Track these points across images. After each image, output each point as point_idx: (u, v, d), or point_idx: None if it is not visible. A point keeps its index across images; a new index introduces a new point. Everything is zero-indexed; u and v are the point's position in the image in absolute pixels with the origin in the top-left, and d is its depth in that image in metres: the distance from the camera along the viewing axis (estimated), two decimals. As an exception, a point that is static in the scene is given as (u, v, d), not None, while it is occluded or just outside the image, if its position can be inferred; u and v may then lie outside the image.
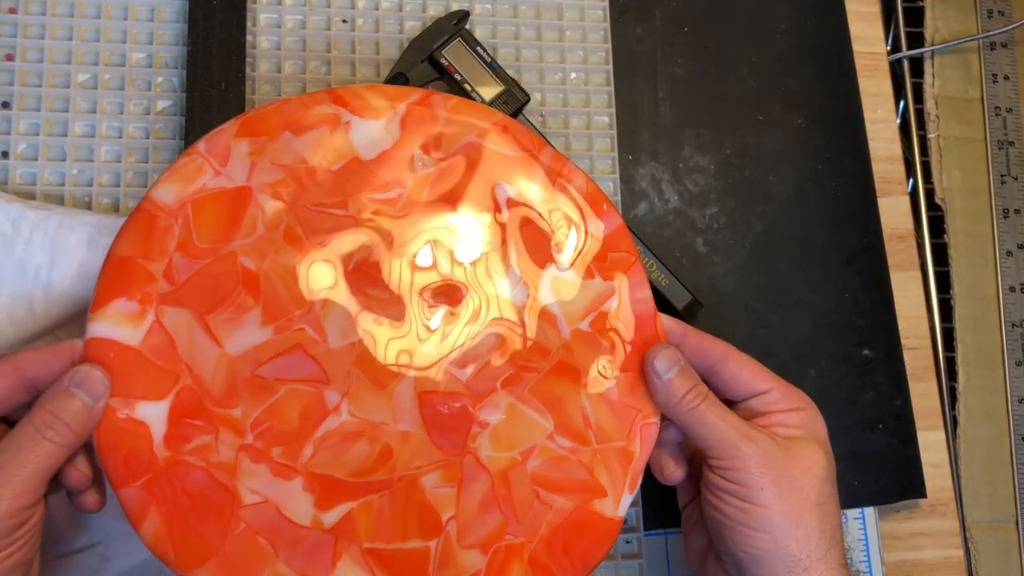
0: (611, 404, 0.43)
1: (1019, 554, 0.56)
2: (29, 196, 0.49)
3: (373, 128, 0.44)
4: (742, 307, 0.55)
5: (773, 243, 0.56)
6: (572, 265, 0.44)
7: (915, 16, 0.64)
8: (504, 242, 0.44)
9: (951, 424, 0.57)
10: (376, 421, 0.42)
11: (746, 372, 0.43)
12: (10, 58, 0.50)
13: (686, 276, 0.54)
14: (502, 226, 0.44)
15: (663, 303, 0.53)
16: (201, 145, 0.42)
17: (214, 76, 0.50)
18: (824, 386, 0.54)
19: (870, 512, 0.53)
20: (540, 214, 0.45)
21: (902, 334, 0.56)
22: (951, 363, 0.58)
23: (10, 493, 0.35)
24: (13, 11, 0.51)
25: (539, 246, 0.44)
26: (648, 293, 0.45)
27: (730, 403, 0.44)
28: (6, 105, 0.50)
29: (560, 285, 0.44)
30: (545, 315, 0.44)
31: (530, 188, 0.44)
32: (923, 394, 0.56)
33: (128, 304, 0.40)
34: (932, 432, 0.56)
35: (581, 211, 0.45)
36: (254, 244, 0.42)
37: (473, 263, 0.44)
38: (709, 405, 0.42)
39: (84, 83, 0.51)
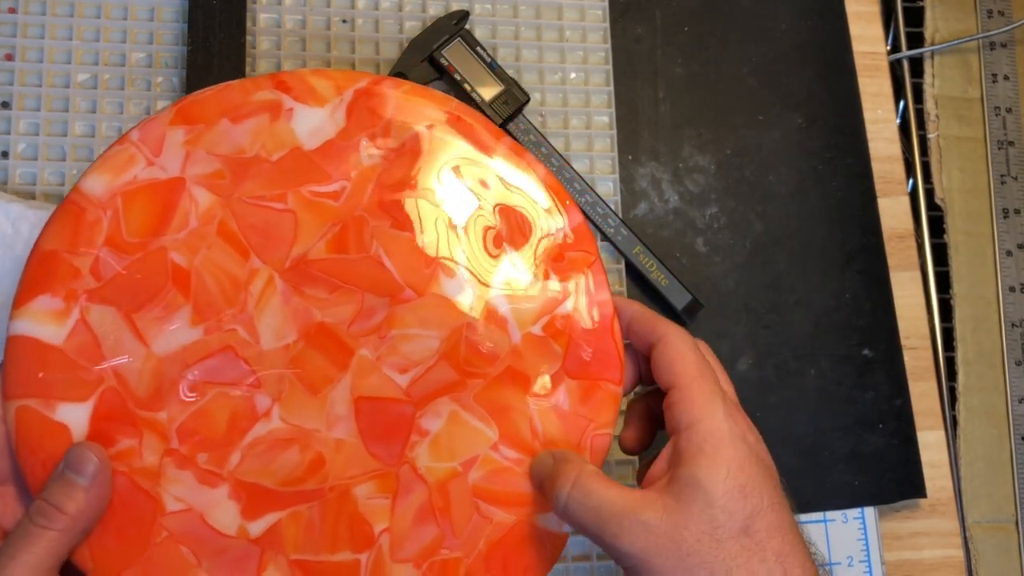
0: (561, 413, 0.41)
1: (1019, 554, 0.56)
2: (29, 196, 0.49)
3: (316, 116, 0.42)
4: (742, 307, 0.55)
5: (773, 243, 0.56)
6: (526, 265, 0.42)
7: (915, 16, 0.64)
8: (453, 239, 0.42)
9: (951, 424, 0.57)
10: (308, 428, 0.40)
11: (662, 362, 0.38)
12: (10, 58, 0.50)
13: (686, 276, 0.54)
14: (451, 223, 0.42)
15: (663, 303, 0.53)
16: (134, 134, 0.40)
17: (214, 76, 0.50)
18: (824, 386, 0.54)
19: (870, 512, 0.53)
20: (492, 209, 0.43)
21: (902, 334, 0.56)
22: (951, 363, 0.58)
23: None
24: (13, 11, 0.51)
25: (491, 244, 0.42)
26: (607, 296, 0.42)
27: None
28: (6, 105, 0.50)
29: (512, 286, 0.42)
30: (494, 317, 0.42)
31: (483, 182, 0.43)
32: (923, 394, 0.56)
33: (52, 301, 0.38)
34: (932, 432, 0.56)
35: (536, 207, 0.43)
36: (186, 239, 0.40)
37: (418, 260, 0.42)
38: (579, 493, 0.36)
39: (84, 83, 0.51)
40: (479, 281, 0.42)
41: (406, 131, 0.42)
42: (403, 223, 0.42)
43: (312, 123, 0.42)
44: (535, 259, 0.42)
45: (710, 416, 0.36)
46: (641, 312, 0.41)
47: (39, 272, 0.39)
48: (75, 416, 0.38)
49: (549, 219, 0.43)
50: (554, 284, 0.42)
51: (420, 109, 0.43)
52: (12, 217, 0.46)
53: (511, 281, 0.42)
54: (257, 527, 0.39)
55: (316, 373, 0.40)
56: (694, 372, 0.38)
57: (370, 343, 0.41)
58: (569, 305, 0.42)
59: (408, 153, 0.42)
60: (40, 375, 0.38)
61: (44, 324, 0.38)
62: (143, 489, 0.38)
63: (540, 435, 0.41)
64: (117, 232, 0.39)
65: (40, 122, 0.50)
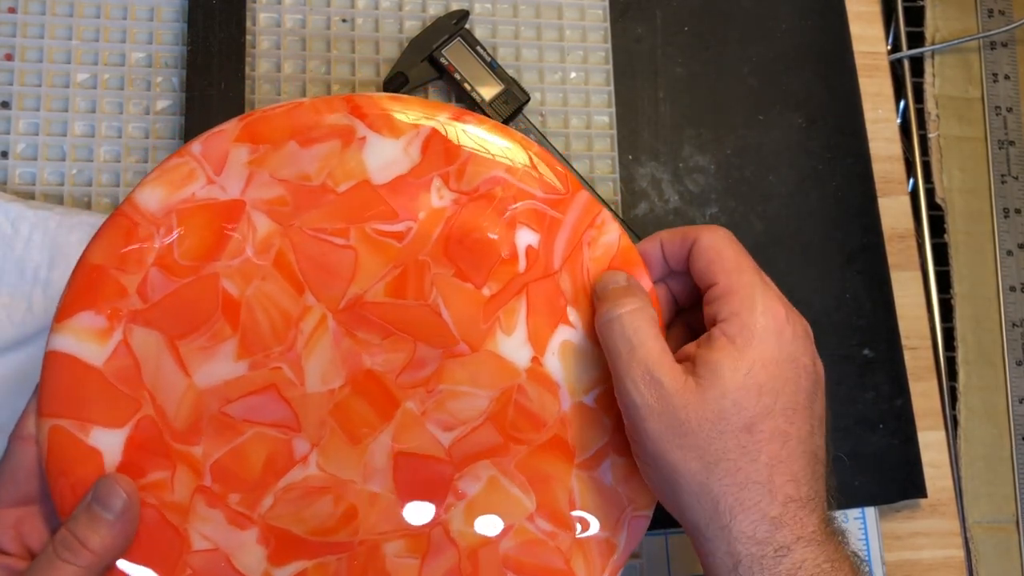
0: (602, 489, 0.40)
1: (1019, 554, 0.56)
2: (29, 196, 0.49)
3: (390, 148, 0.40)
4: (742, 307, 0.54)
5: (773, 243, 0.56)
6: (586, 330, 0.40)
7: (915, 16, 0.64)
8: (516, 295, 0.40)
9: (951, 424, 0.57)
10: (344, 478, 0.38)
11: (702, 261, 0.38)
12: (9, 58, 0.50)
13: (686, 276, 0.53)
14: (516, 277, 0.40)
15: (663, 303, 0.53)
16: (196, 146, 0.38)
17: (214, 76, 0.50)
18: (824, 386, 0.54)
19: (870, 512, 0.53)
20: (561, 268, 0.40)
21: (902, 334, 0.56)
22: (951, 363, 0.58)
23: None
24: (13, 11, 0.51)
25: (554, 304, 0.40)
26: None
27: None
28: (5, 105, 0.50)
29: (569, 351, 0.40)
30: (547, 382, 0.40)
31: (555, 238, 0.41)
32: (923, 394, 0.56)
33: (95, 318, 0.37)
34: (932, 432, 0.55)
35: (608, 270, 0.41)
36: (240, 267, 0.38)
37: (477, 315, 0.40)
38: (622, 325, 0.37)
39: (83, 83, 0.51)
40: (537, 342, 0.40)
41: (482, 174, 0.40)
42: (466, 273, 0.40)
43: (385, 156, 0.40)
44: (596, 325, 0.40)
45: (748, 310, 0.36)
46: (670, 232, 0.40)
47: (84, 286, 0.37)
48: (109, 442, 0.37)
49: None
50: None
51: (499, 152, 0.40)
52: (12, 217, 0.46)
53: (569, 346, 0.40)
54: (282, 574, 0.38)
55: (359, 422, 0.39)
56: (731, 266, 0.37)
57: (417, 396, 0.39)
58: None
59: (481, 198, 0.40)
60: (77, 397, 0.36)
61: (85, 342, 0.37)
62: (171, 524, 0.37)
63: (578, 509, 0.40)
64: (169, 252, 0.38)
65: (40, 122, 0.50)
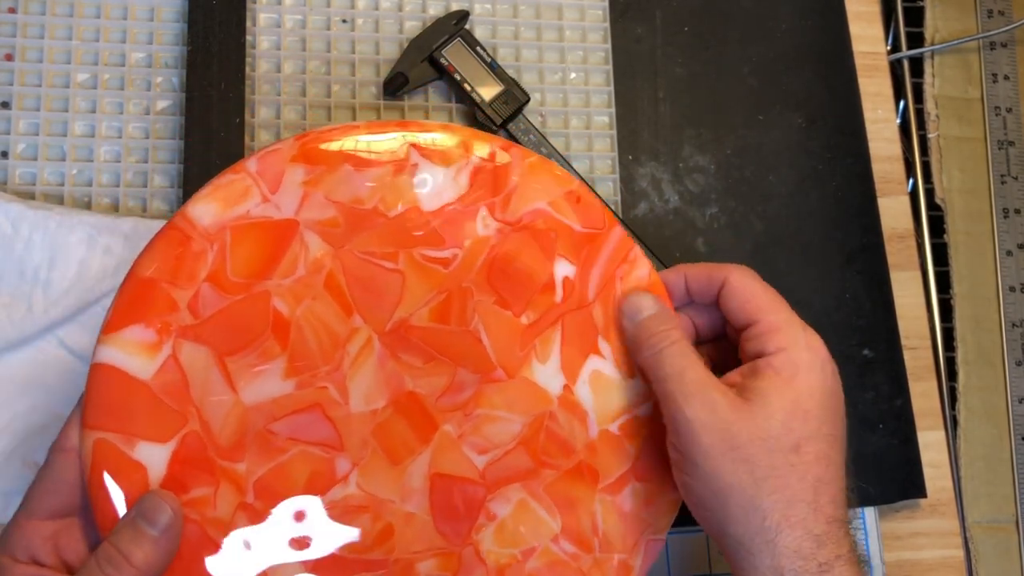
0: (623, 514, 0.41)
1: (1019, 554, 0.56)
2: (29, 196, 0.49)
3: (440, 176, 0.41)
4: (742, 307, 0.54)
5: (773, 243, 0.56)
6: (617, 360, 0.42)
7: (915, 16, 0.64)
8: (552, 325, 0.41)
9: (951, 424, 0.57)
10: (383, 498, 0.39)
11: (736, 300, 0.40)
12: (9, 58, 0.50)
13: (686, 276, 0.53)
14: (553, 307, 0.41)
15: (663, 303, 0.53)
16: (252, 164, 0.39)
17: (214, 76, 0.50)
18: (824, 386, 0.54)
19: (870, 512, 0.53)
20: (594, 300, 0.42)
21: (902, 334, 0.56)
22: (951, 363, 0.58)
23: None
24: (13, 11, 0.51)
25: (586, 334, 0.42)
26: None
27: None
28: (6, 105, 0.50)
29: (599, 380, 0.41)
30: (577, 410, 0.41)
31: (590, 271, 0.42)
32: (923, 394, 0.56)
33: (145, 332, 0.37)
34: (932, 432, 0.55)
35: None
36: (291, 286, 0.39)
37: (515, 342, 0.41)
38: (671, 354, 0.38)
39: (83, 83, 0.51)
40: (569, 371, 0.41)
41: (525, 206, 0.41)
42: (507, 301, 0.41)
43: (435, 183, 0.41)
44: (627, 355, 0.42)
45: (792, 345, 0.38)
46: (695, 268, 0.42)
47: (135, 299, 0.37)
48: (154, 457, 0.37)
49: None
50: (638, 384, 0.42)
51: (543, 184, 0.42)
52: (12, 217, 0.46)
53: (599, 375, 0.42)
54: None
55: (399, 443, 0.40)
56: (768, 306, 0.39)
57: (455, 419, 0.40)
58: (650, 407, 0.42)
59: (524, 229, 0.41)
60: (124, 410, 0.36)
61: (134, 356, 0.37)
62: (212, 540, 0.37)
63: (600, 532, 0.41)
64: (222, 268, 0.38)
65: (40, 122, 0.50)
